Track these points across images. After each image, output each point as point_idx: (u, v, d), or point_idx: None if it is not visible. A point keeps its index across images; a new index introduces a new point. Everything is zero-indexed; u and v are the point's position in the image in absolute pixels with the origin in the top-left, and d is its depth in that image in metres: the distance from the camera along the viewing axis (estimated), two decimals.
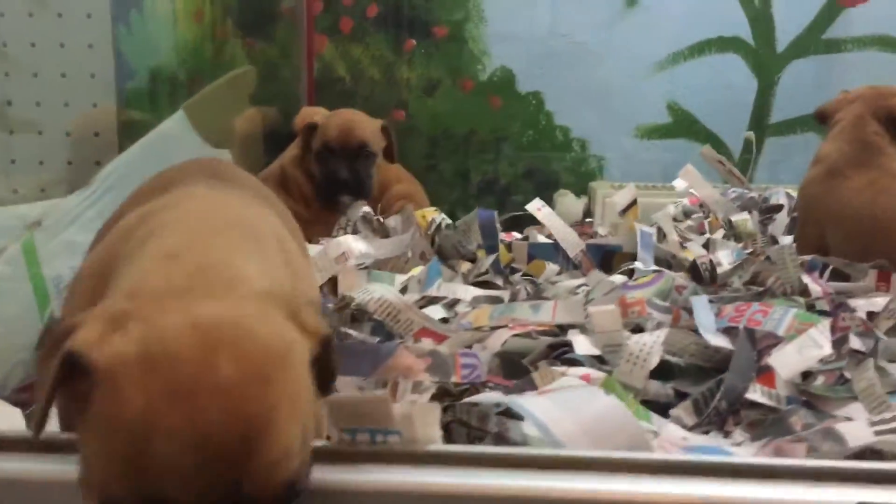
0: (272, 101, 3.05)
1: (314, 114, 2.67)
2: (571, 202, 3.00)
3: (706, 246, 1.98)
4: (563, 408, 0.95)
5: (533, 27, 3.11)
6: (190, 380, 0.60)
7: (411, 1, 3.15)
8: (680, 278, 1.81)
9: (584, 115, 3.15)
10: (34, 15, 2.32)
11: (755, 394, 1.22)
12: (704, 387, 1.25)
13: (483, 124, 3.20)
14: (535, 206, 2.18)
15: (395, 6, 3.15)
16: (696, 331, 1.39)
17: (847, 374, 1.30)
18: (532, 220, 2.46)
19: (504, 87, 3.17)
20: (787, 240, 2.13)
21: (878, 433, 1.05)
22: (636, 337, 1.29)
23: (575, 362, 1.39)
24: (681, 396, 1.30)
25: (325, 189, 2.26)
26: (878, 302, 1.50)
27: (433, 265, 1.84)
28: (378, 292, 1.46)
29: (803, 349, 1.24)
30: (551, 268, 2.00)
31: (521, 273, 2.06)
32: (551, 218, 2.17)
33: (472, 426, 1.08)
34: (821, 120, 2.03)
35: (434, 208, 2.40)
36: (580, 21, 3.10)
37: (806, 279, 1.59)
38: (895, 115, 1.89)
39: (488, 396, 1.14)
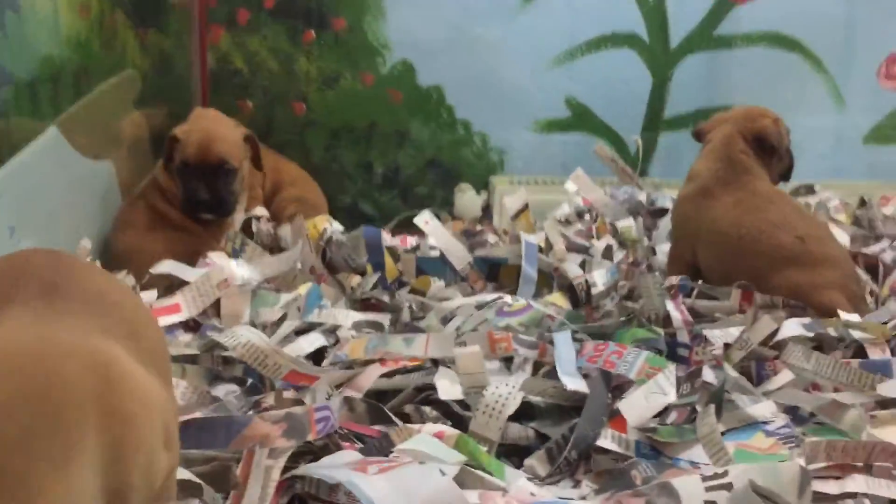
0: (167, 93, 2.98)
1: (195, 118, 2.54)
2: (471, 199, 3.03)
3: (583, 265, 2.02)
4: (398, 491, 0.98)
5: (433, 20, 3.09)
6: None
7: None
8: (556, 300, 1.86)
9: (484, 109, 3.16)
10: None
11: (606, 440, 1.27)
12: (559, 433, 1.30)
13: (384, 117, 3.19)
14: (423, 220, 2.20)
15: None
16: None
17: (699, 408, 1.38)
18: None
19: (404, 80, 3.15)
20: (666, 248, 2.19)
21: (708, 489, 1.11)
22: (492, 388, 1.32)
23: (440, 403, 1.42)
24: (541, 437, 1.35)
25: (187, 207, 2.21)
26: (733, 333, 1.57)
27: (313, 289, 1.85)
28: (244, 337, 1.46)
29: (650, 396, 1.30)
30: (438, 284, 2.02)
31: (408, 289, 2.08)
32: (438, 232, 2.19)
33: (321, 499, 1.10)
34: (697, 138, 2.08)
35: (325, 216, 2.39)
36: (479, 14, 3.09)
37: (670, 306, 1.65)
38: (762, 135, 1.96)
39: (336, 462, 1.15)
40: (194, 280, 1.85)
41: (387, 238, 2.24)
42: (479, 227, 2.73)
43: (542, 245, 2.25)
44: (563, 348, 1.44)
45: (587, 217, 2.61)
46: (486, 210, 3.04)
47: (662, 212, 2.50)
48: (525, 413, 1.38)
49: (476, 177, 3.19)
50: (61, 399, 0.73)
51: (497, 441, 1.28)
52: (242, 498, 1.11)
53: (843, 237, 2.24)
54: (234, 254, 2.06)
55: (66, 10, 2.65)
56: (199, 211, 2.21)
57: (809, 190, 2.69)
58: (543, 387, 1.36)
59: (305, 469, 1.13)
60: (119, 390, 0.78)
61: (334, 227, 2.26)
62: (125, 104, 2.49)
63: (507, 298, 1.75)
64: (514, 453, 1.33)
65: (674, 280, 1.80)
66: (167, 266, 1.89)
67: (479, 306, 1.82)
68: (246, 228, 2.34)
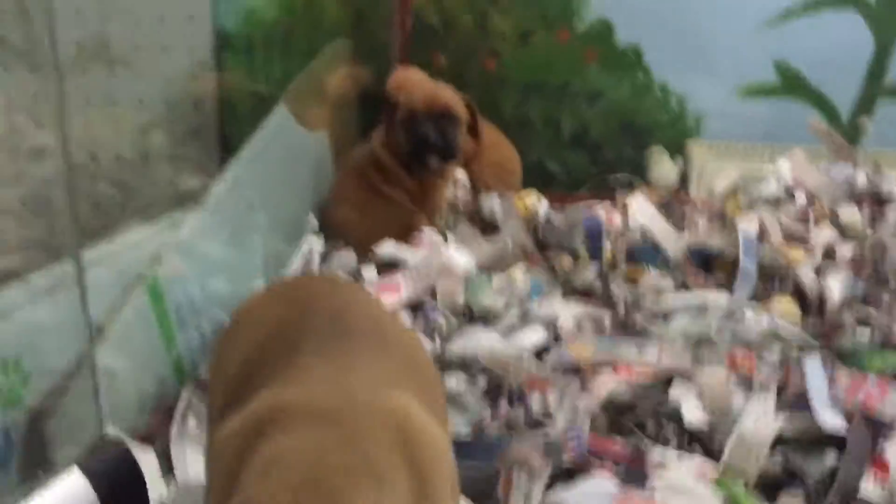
0: (363, 50, 3.00)
1: (407, 77, 2.61)
2: (667, 165, 2.92)
3: (817, 270, 1.91)
4: None
5: None
6: None
7: None
8: (787, 307, 1.78)
9: (684, 71, 3.02)
10: None
11: (868, 488, 1.22)
12: (816, 470, 1.26)
13: (577, 76, 3.10)
14: (635, 203, 2.15)
15: None
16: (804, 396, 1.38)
17: None
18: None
19: (601, 39, 3.04)
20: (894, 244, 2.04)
21: None
22: (750, 423, 1.29)
23: (680, 420, 1.40)
24: (788, 473, 1.31)
25: (415, 153, 2.21)
26: None
27: (534, 283, 1.84)
28: (485, 344, 1.48)
29: None
30: (651, 280, 1.97)
31: (618, 270, 2.05)
32: (653, 218, 2.13)
33: None
34: None
35: (533, 191, 2.38)
36: None
37: None
38: None
39: (594, 490, 1.17)
40: (414, 263, 1.89)
41: (601, 215, 2.19)
42: (678, 201, 2.63)
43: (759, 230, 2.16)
44: (815, 378, 1.38)
45: (800, 200, 2.46)
46: (682, 179, 2.93)
47: (887, 198, 2.33)
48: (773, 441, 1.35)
49: (669, 140, 3.07)
50: (375, 454, 0.76)
51: (754, 477, 1.25)
52: None
53: None
54: (449, 228, 2.08)
55: None
56: (427, 156, 2.21)
57: None
58: (801, 426, 1.31)
59: (571, 497, 1.15)
60: (418, 446, 0.80)
61: (543, 205, 2.24)
62: (341, 79, 2.54)
63: (748, 313, 1.68)
64: (760, 486, 1.30)
65: None
66: (389, 247, 1.93)
67: (702, 308, 1.77)
68: None
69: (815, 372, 1.39)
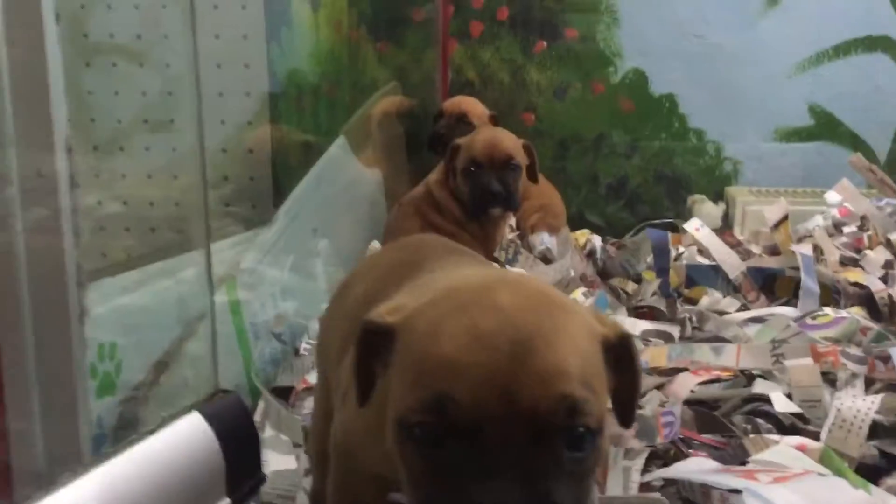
0: (413, 89, 3.09)
1: (463, 100, 2.71)
2: (710, 209, 2.95)
3: (884, 279, 1.91)
4: (809, 500, 0.95)
5: (667, 28, 3.04)
6: (477, 309, 0.67)
7: (542, 3, 3.12)
8: (858, 313, 1.77)
9: (719, 118, 3.08)
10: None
11: None
12: None
13: (613, 127, 3.16)
14: (694, 226, 2.16)
15: (525, 8, 3.13)
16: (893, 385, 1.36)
17: None
18: (669, 227, 2.46)
19: (636, 89, 3.12)
20: None
21: None
22: (849, 402, 1.26)
23: (769, 415, 1.38)
24: (885, 457, 1.28)
25: (476, 203, 2.25)
26: None
27: (601, 298, 1.84)
28: None
29: None
30: (712, 296, 1.97)
31: (680, 297, 2.05)
32: (711, 238, 2.14)
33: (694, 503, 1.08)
34: None
35: (586, 231, 2.40)
36: (717, 21, 3.02)
37: None
38: None
39: (697, 468, 1.14)
40: None
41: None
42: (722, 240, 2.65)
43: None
44: None
45: (847, 230, 2.47)
46: (725, 220, 2.95)
47: None
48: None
49: (707, 188, 3.11)
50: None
51: (857, 458, 1.22)
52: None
53: None
54: (508, 262, 2.09)
55: (324, 24, 2.79)
56: (488, 206, 2.23)
57: None
58: (885, 415, 1.29)
59: (677, 472, 1.12)
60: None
61: (597, 240, 2.26)
62: (390, 115, 2.60)
63: (825, 309, 1.68)
64: (860, 473, 1.27)
65: None
66: None
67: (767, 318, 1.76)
68: None
69: None
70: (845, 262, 2.19)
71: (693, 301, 2.04)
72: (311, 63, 2.78)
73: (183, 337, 1.28)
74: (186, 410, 0.86)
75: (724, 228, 2.89)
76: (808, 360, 1.40)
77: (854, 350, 1.49)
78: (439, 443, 0.64)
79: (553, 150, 3.21)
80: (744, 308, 2.00)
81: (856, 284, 1.92)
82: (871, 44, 2.95)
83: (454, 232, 2.26)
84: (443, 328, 0.66)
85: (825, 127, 3.03)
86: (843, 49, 2.97)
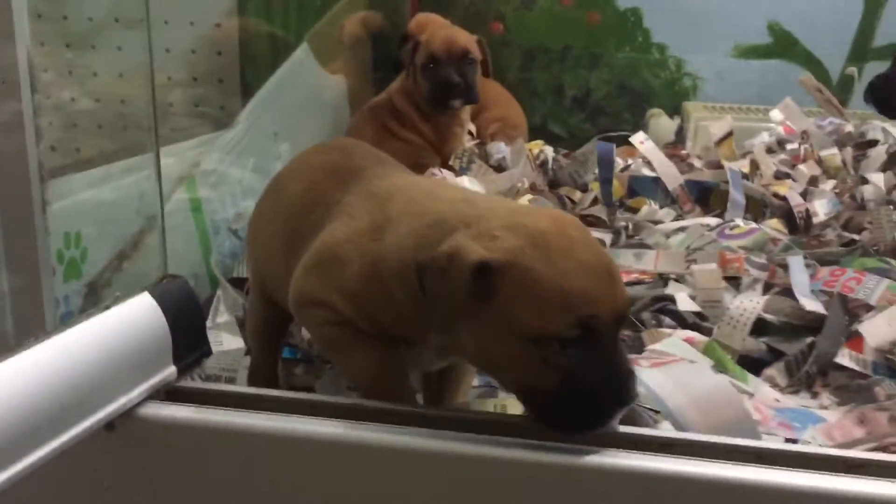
0: (381, 5, 3.13)
1: (429, 20, 2.78)
2: (665, 123, 3.06)
3: (803, 195, 2.05)
4: (676, 382, 1.11)
5: None
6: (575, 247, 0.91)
7: None
8: (775, 226, 1.92)
9: (681, 34, 3.16)
10: None
11: (844, 358, 1.36)
12: (797, 348, 1.40)
13: (580, 39, 3.24)
14: (638, 140, 2.29)
15: None
16: (790, 290, 1.52)
17: None
18: (625, 140, 2.58)
19: (603, 1, 3.18)
20: (878, 178, 2.18)
21: None
22: (737, 301, 1.42)
23: (674, 313, 1.54)
24: (772, 352, 1.45)
25: (437, 96, 2.34)
26: None
27: (541, 203, 1.98)
28: None
29: (893, 321, 1.36)
30: (650, 208, 2.11)
31: (622, 207, 2.19)
32: (653, 151, 2.26)
33: None
34: None
35: (540, 141, 2.51)
36: None
37: None
38: None
39: None
40: None
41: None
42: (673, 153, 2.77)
43: (747, 171, 2.30)
44: (798, 273, 1.51)
45: (790, 146, 2.60)
46: (679, 135, 3.06)
47: (872, 143, 2.47)
48: (757, 329, 1.48)
49: (667, 102, 3.21)
50: None
51: (739, 351, 1.38)
52: None
53: None
54: (462, 171, 2.21)
55: None
56: (449, 98, 2.33)
57: None
58: (783, 306, 1.45)
59: None
60: None
61: (550, 151, 2.37)
62: (357, 27, 2.66)
63: (738, 220, 1.82)
64: (746, 365, 1.44)
65: None
66: None
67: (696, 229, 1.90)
68: None
69: (798, 267, 1.53)
70: (780, 177, 2.33)
71: (634, 210, 2.18)
72: None
73: (143, 229, 1.40)
74: (138, 291, 0.99)
75: (678, 143, 3.01)
76: (713, 265, 1.54)
77: (759, 258, 1.64)
78: (579, 347, 0.88)
79: (520, 60, 3.29)
80: (679, 218, 2.15)
81: (780, 197, 2.06)
82: None
83: (411, 139, 2.38)
84: (566, 267, 0.88)
85: (783, 45, 3.12)
86: None
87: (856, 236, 1.83)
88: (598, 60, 3.25)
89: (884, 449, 1.15)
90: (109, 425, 0.93)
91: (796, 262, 1.54)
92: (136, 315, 0.98)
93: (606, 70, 3.25)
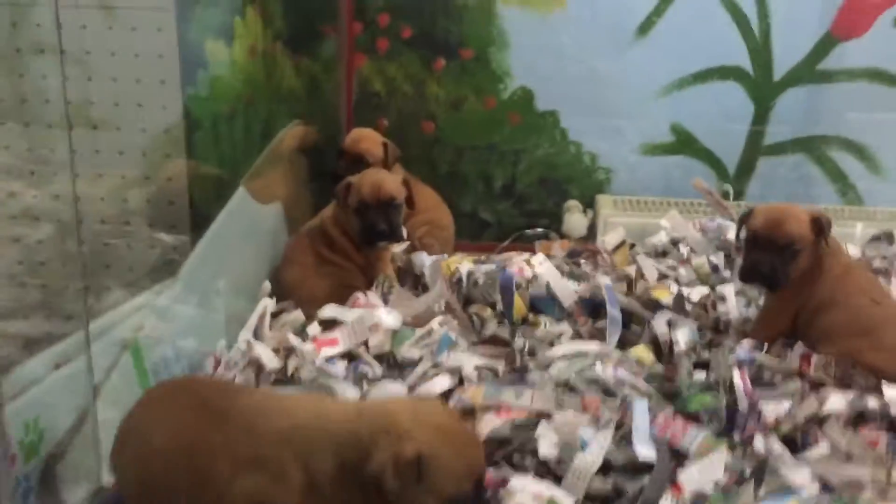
0: (316, 111, 3.43)
1: (362, 136, 3.09)
2: (577, 220, 3.38)
3: (669, 323, 2.37)
4: None
5: (551, 53, 3.41)
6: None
7: (442, 25, 3.45)
8: (641, 352, 2.24)
9: (595, 132, 3.49)
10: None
11: (667, 501, 1.67)
12: (633, 487, 1.71)
13: (504, 137, 3.56)
14: (538, 261, 2.61)
15: (427, 29, 3.47)
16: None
17: (747, 472, 1.75)
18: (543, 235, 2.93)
19: (523, 104, 3.50)
20: (731, 296, 2.51)
21: None
22: (580, 455, 1.74)
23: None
24: (617, 490, 1.76)
25: (366, 238, 2.65)
26: (784, 406, 1.92)
27: (444, 337, 2.28)
28: (395, 393, 1.92)
29: (703, 471, 1.69)
30: (546, 329, 2.41)
31: (525, 324, 2.49)
32: (550, 272, 2.58)
33: None
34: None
35: (460, 256, 2.83)
36: (594, 48, 3.39)
37: (736, 376, 2.00)
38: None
39: None
40: (351, 321, 2.32)
41: (514, 272, 2.63)
42: (583, 250, 3.09)
43: (635, 275, 2.64)
44: (640, 418, 1.83)
45: (679, 249, 2.94)
46: (591, 230, 3.39)
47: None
48: (605, 465, 1.79)
49: (584, 193, 3.54)
50: None
51: (581, 498, 1.70)
52: None
53: None
54: (383, 297, 2.51)
55: (239, 55, 3.10)
56: (377, 240, 2.65)
57: (889, 237, 2.91)
58: (621, 456, 1.76)
59: None
60: None
61: (465, 267, 2.69)
62: (293, 147, 2.96)
63: (597, 366, 2.13)
64: (597, 500, 1.75)
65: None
66: (331, 310, 2.36)
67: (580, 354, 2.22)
68: None
69: (640, 412, 1.84)
70: (664, 276, 2.68)
71: (535, 325, 2.49)
72: (228, 86, 3.09)
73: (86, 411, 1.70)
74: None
75: (590, 238, 3.34)
76: (571, 413, 1.86)
77: (615, 401, 1.95)
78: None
79: (451, 155, 3.61)
80: (577, 334, 2.44)
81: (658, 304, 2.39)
82: (725, 72, 3.36)
83: (343, 264, 2.67)
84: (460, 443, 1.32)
85: (684, 143, 3.46)
86: (701, 76, 3.37)
87: (701, 375, 2.14)
88: (521, 155, 3.57)
89: None
90: None
91: (640, 408, 1.86)
92: None
93: (528, 164, 3.58)
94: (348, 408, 1.35)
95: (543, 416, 1.95)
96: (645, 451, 1.76)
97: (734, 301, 2.42)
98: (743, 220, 2.33)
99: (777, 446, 1.82)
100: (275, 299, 2.51)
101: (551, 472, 1.78)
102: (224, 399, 1.40)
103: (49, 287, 2.17)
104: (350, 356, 2.29)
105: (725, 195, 3.31)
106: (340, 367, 2.25)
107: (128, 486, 1.45)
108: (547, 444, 1.83)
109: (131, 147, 2.65)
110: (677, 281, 2.71)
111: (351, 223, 2.67)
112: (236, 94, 2.89)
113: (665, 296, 2.54)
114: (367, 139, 3.11)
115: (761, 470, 1.75)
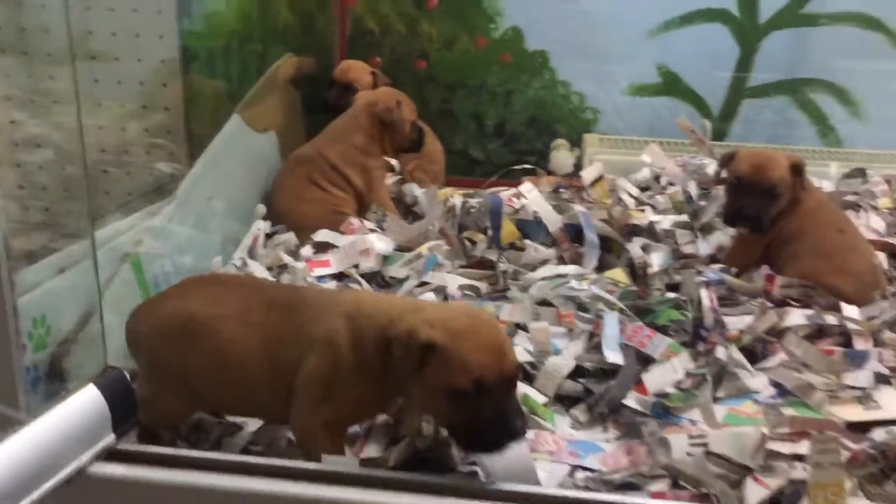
0: (310, 48, 3.50)
1: (350, 66, 3.18)
2: (564, 157, 3.48)
3: (644, 248, 2.48)
4: None
5: None
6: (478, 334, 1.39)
7: None
8: (618, 275, 2.35)
9: (583, 73, 3.57)
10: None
11: (631, 400, 1.80)
12: (601, 389, 1.84)
13: (494, 76, 3.64)
14: (526, 189, 2.71)
15: None
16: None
17: (708, 378, 1.88)
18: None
19: (514, 44, 3.57)
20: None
21: (691, 444, 1.64)
22: (550, 360, 1.86)
23: None
24: (589, 391, 1.89)
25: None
26: (746, 321, 2.04)
27: (430, 258, 2.39)
28: None
29: (665, 373, 1.81)
30: (531, 253, 2.51)
31: (512, 248, 2.59)
32: (538, 200, 2.68)
33: None
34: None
35: (451, 189, 2.93)
36: None
37: (703, 294, 2.11)
38: None
39: None
40: (343, 245, 2.43)
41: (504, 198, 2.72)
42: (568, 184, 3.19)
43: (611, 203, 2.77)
44: (610, 328, 1.95)
45: (663, 180, 3.04)
46: (578, 166, 3.48)
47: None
48: (579, 371, 1.92)
49: (572, 132, 3.63)
50: None
51: (552, 396, 1.82)
52: None
53: (879, 224, 2.62)
54: (378, 223, 2.62)
55: None
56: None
57: (862, 173, 3.00)
58: (590, 358, 1.89)
59: None
60: None
61: (458, 198, 2.79)
62: (286, 84, 3.04)
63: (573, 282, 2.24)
64: (568, 401, 1.88)
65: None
66: (324, 234, 2.47)
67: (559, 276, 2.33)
68: None
69: (610, 323, 1.96)
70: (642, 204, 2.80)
71: (521, 249, 2.59)
72: (225, 18, 3.15)
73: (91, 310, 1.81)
74: (84, 383, 1.41)
75: (576, 175, 3.43)
76: (544, 324, 1.98)
77: (587, 314, 2.07)
78: (476, 397, 1.36)
79: (442, 93, 3.69)
80: (561, 259, 2.55)
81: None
82: (711, 15, 3.43)
83: (333, 191, 2.77)
84: (468, 347, 1.37)
85: (670, 84, 3.53)
86: (688, 18, 3.44)
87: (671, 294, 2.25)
88: (511, 95, 3.65)
89: (640, 474, 1.61)
90: (68, 482, 1.35)
91: (610, 319, 1.97)
92: (84, 403, 1.40)
93: (518, 103, 3.66)
94: (391, 300, 1.58)
95: (522, 328, 2.07)
96: (613, 355, 1.89)
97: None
98: (725, 162, 2.43)
99: (737, 355, 1.94)
100: (269, 222, 2.62)
101: (528, 376, 1.90)
102: (281, 291, 1.64)
103: (51, 210, 2.28)
104: (341, 275, 2.41)
105: (703, 130, 3.40)
106: (331, 284, 2.37)
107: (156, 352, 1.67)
108: (521, 350, 1.95)
109: (129, 77, 2.73)
110: (653, 207, 2.82)
111: (404, 137, 2.84)
112: (231, 28, 2.96)
113: (638, 215, 2.65)
114: (356, 69, 3.19)
115: (720, 375, 1.87)
